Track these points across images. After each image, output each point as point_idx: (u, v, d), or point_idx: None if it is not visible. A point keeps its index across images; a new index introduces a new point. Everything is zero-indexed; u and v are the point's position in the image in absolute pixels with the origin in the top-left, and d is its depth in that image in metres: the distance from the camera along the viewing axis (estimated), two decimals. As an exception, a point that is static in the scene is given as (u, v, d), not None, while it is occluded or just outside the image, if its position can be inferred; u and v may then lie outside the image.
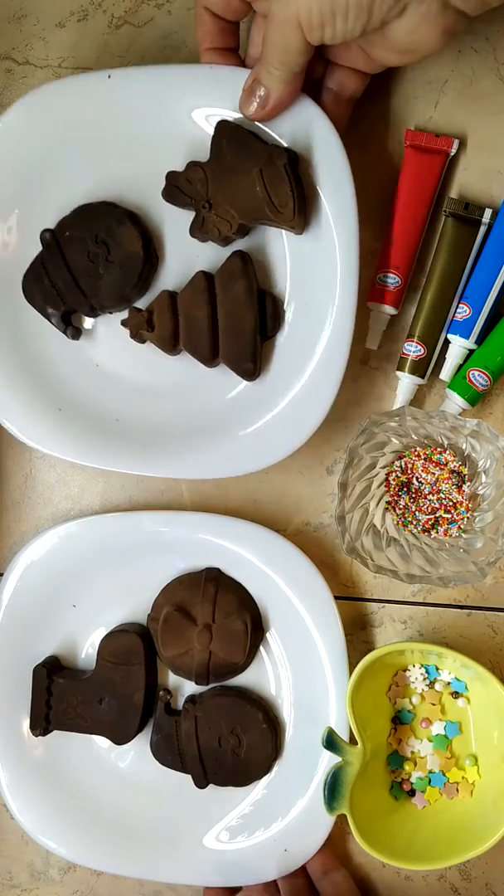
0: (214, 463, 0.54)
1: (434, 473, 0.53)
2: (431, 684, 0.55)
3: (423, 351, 0.53)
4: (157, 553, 0.55)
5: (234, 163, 0.50)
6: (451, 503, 0.53)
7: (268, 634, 0.55)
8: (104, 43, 0.57)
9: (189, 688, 0.56)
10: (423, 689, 0.55)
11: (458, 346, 0.53)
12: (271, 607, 0.55)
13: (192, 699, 0.54)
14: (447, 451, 0.53)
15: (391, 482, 0.54)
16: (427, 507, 0.53)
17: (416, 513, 0.54)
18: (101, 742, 0.57)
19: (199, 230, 0.52)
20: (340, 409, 0.55)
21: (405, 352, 0.54)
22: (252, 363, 0.52)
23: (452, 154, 0.54)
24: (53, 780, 0.56)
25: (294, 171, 0.49)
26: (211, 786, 0.54)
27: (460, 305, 0.53)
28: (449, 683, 0.55)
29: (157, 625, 0.54)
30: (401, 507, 0.54)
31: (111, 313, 0.54)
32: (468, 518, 0.53)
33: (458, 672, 0.54)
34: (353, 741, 0.51)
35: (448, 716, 0.55)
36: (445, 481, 0.53)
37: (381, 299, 0.54)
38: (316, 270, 0.52)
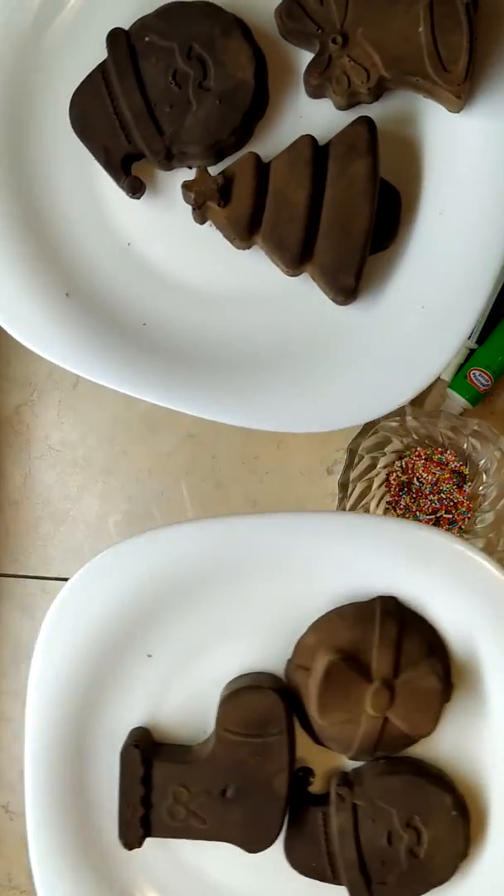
0: (264, 410, 0.39)
1: (435, 473, 0.52)
2: None
3: (424, 350, 0.51)
4: (275, 575, 0.40)
5: (392, -15, 0.35)
6: (451, 503, 0.52)
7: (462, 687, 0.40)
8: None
9: (335, 761, 0.41)
10: None
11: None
12: (464, 649, 0.40)
13: (345, 780, 0.39)
14: (448, 452, 0.52)
15: (392, 482, 0.52)
16: (428, 508, 0.52)
17: (417, 513, 0.52)
18: (211, 851, 0.41)
19: (319, 73, 0.36)
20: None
21: (407, 351, 0.51)
22: (354, 278, 0.37)
23: None
24: None
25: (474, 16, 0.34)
26: None
27: (461, 305, 0.50)
28: None
29: (309, 678, 0.39)
30: (401, 507, 0.53)
31: (190, 167, 0.38)
32: (469, 518, 0.52)
33: None
34: None
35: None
36: (446, 481, 0.52)
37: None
38: (468, 169, 0.37)
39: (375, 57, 0.36)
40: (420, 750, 0.41)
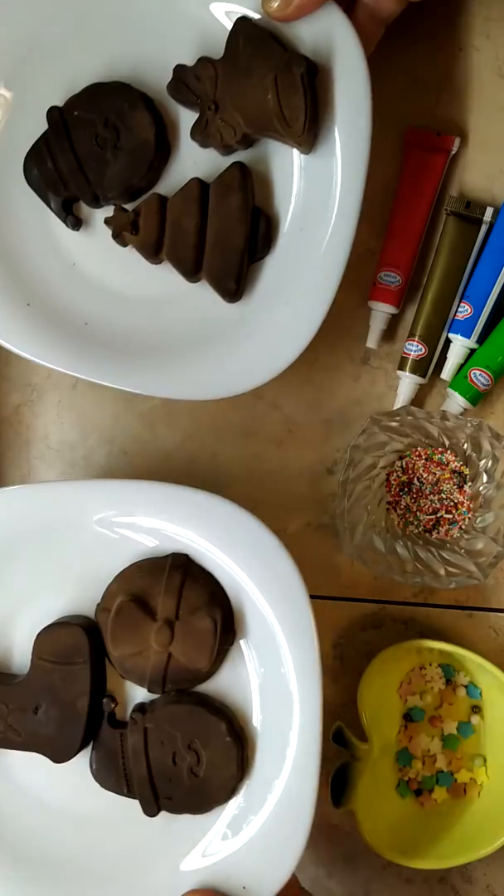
0: (181, 382, 0.51)
1: (435, 473, 0.53)
2: (448, 683, 0.55)
3: (424, 350, 0.53)
4: (106, 535, 0.48)
5: (248, 65, 0.47)
6: (452, 503, 0.53)
7: (241, 635, 0.47)
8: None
9: (142, 695, 0.48)
10: (440, 688, 0.54)
11: (459, 346, 0.53)
12: (247, 603, 0.47)
13: (141, 708, 0.46)
14: (448, 451, 0.53)
15: (392, 482, 0.54)
16: (428, 508, 0.53)
17: (417, 513, 0.53)
18: (32, 763, 0.47)
19: (200, 133, 0.49)
20: (341, 409, 0.55)
21: (406, 351, 0.54)
22: (235, 283, 0.49)
23: (454, 152, 0.54)
24: None
25: (311, 83, 0.46)
26: (165, 813, 0.46)
27: (461, 304, 0.53)
28: (465, 686, 0.55)
29: (108, 617, 0.46)
30: (402, 507, 0.53)
31: (114, 205, 0.51)
32: (469, 518, 0.53)
33: (475, 674, 0.54)
34: (362, 738, 0.50)
35: (461, 716, 0.54)
36: (446, 481, 0.53)
37: (381, 298, 0.54)
38: (318, 196, 0.49)
39: (239, 119, 0.47)
40: (208, 687, 0.47)
